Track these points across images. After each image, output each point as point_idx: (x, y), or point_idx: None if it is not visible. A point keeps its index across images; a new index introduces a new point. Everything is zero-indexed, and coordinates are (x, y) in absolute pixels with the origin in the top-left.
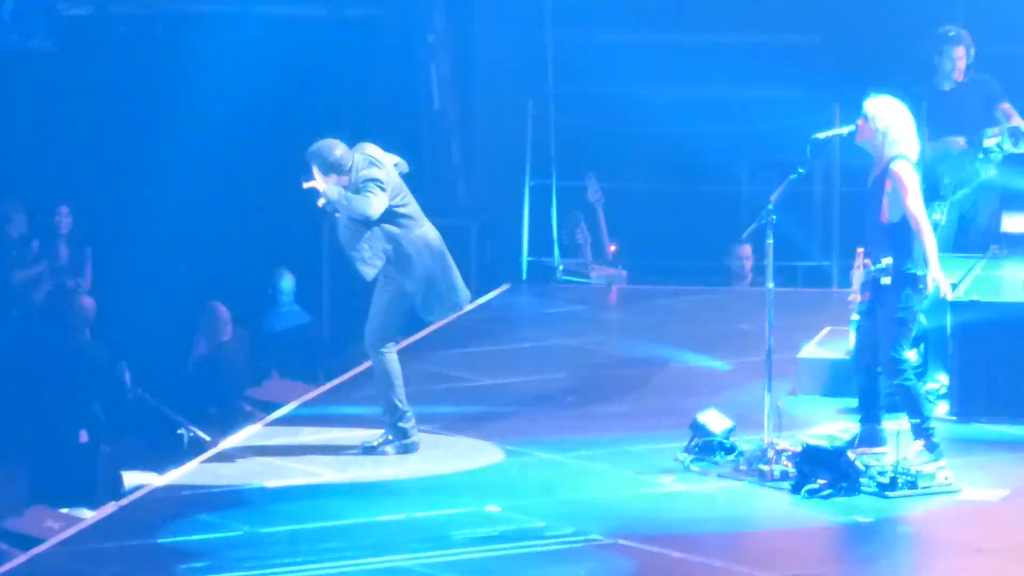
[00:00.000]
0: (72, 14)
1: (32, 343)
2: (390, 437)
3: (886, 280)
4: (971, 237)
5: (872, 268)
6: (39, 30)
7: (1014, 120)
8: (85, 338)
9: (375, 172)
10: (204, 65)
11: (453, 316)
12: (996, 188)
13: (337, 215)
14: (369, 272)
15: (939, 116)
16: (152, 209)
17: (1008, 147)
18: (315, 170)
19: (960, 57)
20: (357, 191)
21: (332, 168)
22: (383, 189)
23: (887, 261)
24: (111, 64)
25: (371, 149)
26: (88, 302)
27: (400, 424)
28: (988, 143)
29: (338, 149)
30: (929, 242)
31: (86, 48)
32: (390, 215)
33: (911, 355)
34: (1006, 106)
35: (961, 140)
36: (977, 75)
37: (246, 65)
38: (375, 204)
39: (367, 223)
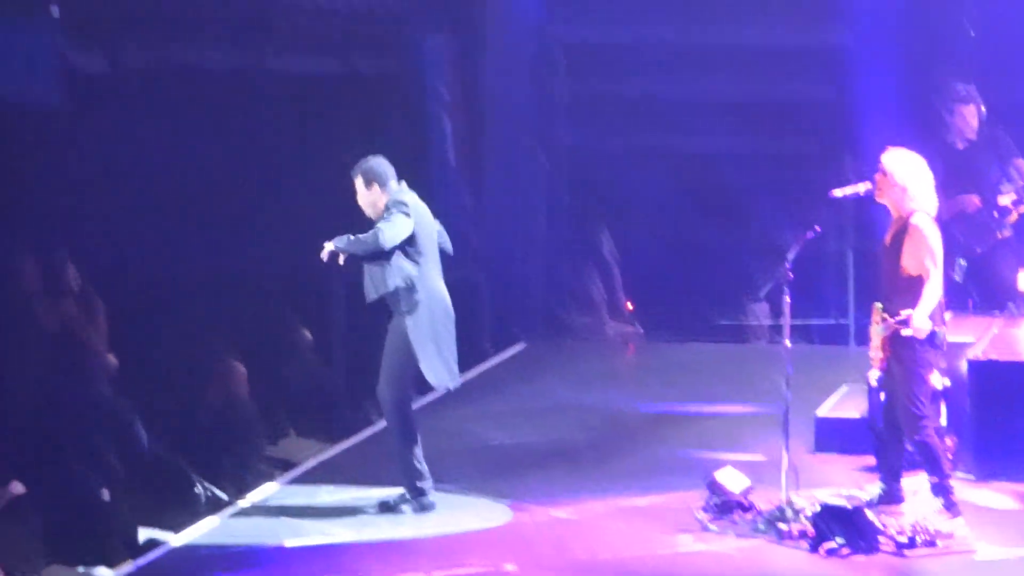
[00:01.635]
0: (84, 69)
1: (50, 398)
2: (407, 495)
3: (907, 331)
4: (988, 295)
5: (892, 321)
6: (51, 85)
7: None
8: (105, 393)
9: (406, 197)
10: (218, 119)
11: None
12: (1011, 246)
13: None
14: (370, 294)
15: (953, 174)
16: (166, 264)
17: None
18: (357, 183)
19: (972, 115)
20: (386, 213)
21: (376, 178)
22: (408, 215)
23: (907, 313)
24: (123, 119)
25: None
26: (109, 358)
27: (417, 483)
28: (1002, 201)
29: (384, 163)
30: (932, 292)
31: (98, 103)
32: (412, 254)
33: (935, 413)
34: (1019, 161)
35: (975, 198)
36: (990, 131)
37: (260, 119)
38: (399, 223)
39: (389, 255)
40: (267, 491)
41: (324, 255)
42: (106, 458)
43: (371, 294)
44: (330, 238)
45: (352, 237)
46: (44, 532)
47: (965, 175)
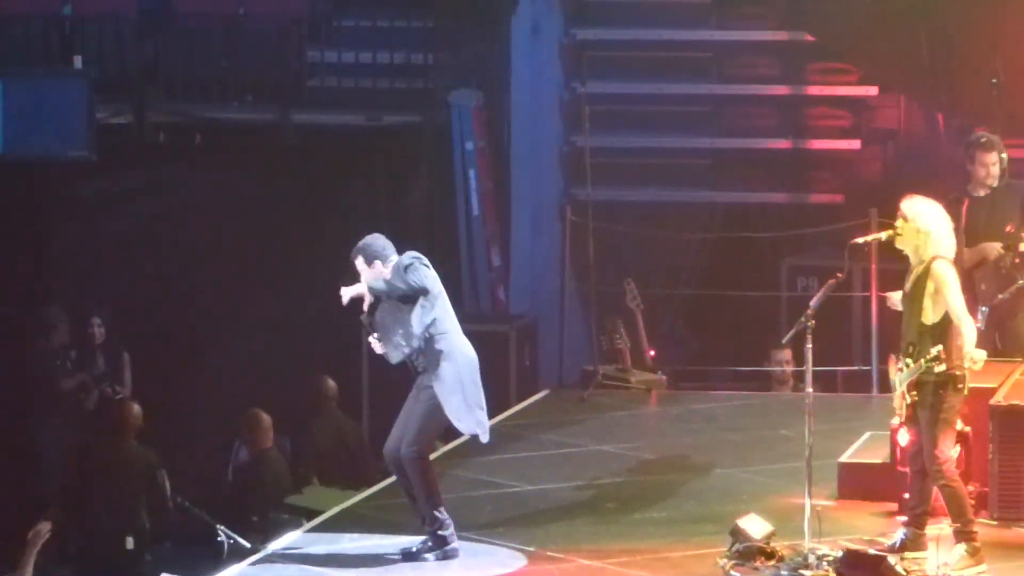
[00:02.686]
0: (111, 123)
1: (80, 450)
2: (430, 544)
3: (940, 368)
4: (1010, 342)
5: (924, 362)
6: (80, 140)
7: None
8: (132, 445)
9: (419, 256)
10: (243, 172)
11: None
12: None
13: (371, 316)
14: (395, 356)
15: (975, 222)
16: (192, 315)
17: None
18: (358, 264)
19: (993, 163)
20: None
21: (376, 255)
22: (427, 266)
23: (936, 350)
24: (151, 172)
25: None
26: (135, 409)
27: (440, 532)
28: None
29: (381, 239)
30: (969, 331)
31: (126, 157)
32: (430, 309)
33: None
34: None
35: (997, 246)
36: (1012, 180)
37: (285, 173)
38: (423, 272)
39: (407, 314)
40: (290, 539)
41: (346, 298)
42: (132, 507)
43: (396, 356)
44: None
45: (388, 279)
46: None
47: (987, 222)
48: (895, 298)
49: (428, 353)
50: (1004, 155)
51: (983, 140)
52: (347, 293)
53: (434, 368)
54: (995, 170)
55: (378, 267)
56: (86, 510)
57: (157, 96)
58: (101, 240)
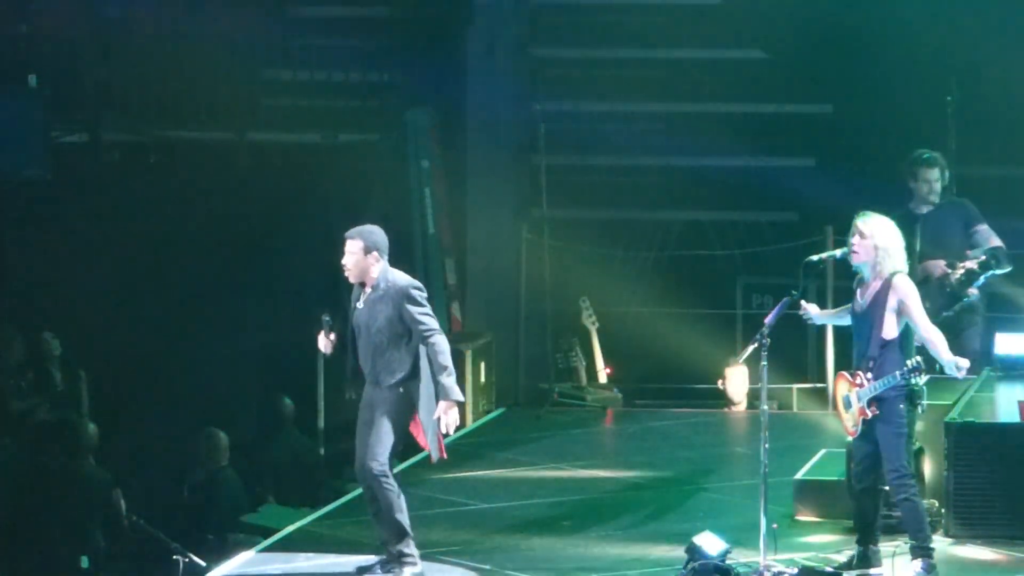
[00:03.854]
0: (67, 142)
1: (34, 470)
2: (390, 563)
3: (919, 378)
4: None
5: (900, 375)
6: (34, 158)
7: (992, 242)
8: (88, 464)
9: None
10: (198, 192)
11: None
12: (978, 309)
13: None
14: (390, 380)
15: (917, 239)
16: (148, 335)
17: (996, 267)
18: (351, 245)
19: (935, 179)
20: (407, 298)
21: (376, 248)
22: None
23: (912, 362)
24: (105, 191)
25: None
26: (90, 428)
27: (405, 549)
28: (969, 265)
29: (384, 235)
30: (941, 340)
31: (80, 176)
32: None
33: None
34: (983, 227)
35: (941, 263)
36: (954, 198)
37: (241, 191)
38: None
39: (404, 340)
40: (245, 557)
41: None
42: (87, 526)
43: (388, 379)
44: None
45: (448, 370)
46: None
47: (929, 240)
48: (811, 308)
49: (413, 374)
50: (947, 172)
51: (926, 156)
52: (324, 343)
53: (415, 387)
54: (937, 186)
55: (372, 258)
56: (40, 531)
57: (112, 116)
58: (56, 259)
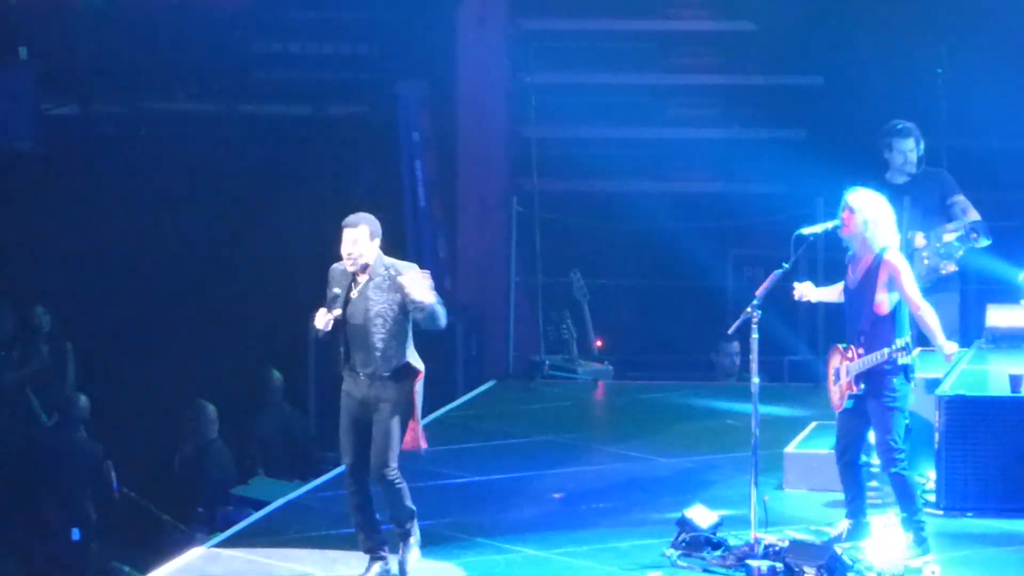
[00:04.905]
0: (57, 115)
1: (23, 441)
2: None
3: (906, 359)
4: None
5: (888, 351)
6: (25, 131)
7: (970, 214)
8: (80, 436)
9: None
10: (189, 164)
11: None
12: (956, 281)
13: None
14: (387, 369)
15: (895, 211)
16: (138, 307)
17: (974, 242)
18: (358, 232)
19: (911, 149)
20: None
21: (377, 234)
22: None
23: (902, 341)
24: (96, 164)
25: None
26: (82, 400)
27: (412, 528)
28: (947, 238)
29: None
30: (933, 321)
31: (71, 148)
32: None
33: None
34: (960, 198)
35: (919, 235)
36: (930, 168)
37: (231, 164)
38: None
39: (405, 325)
40: (235, 530)
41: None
42: (78, 498)
43: (383, 369)
44: (303, 281)
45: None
46: (18, 571)
47: (907, 211)
48: (805, 288)
49: (412, 363)
50: (922, 143)
51: (899, 127)
52: (325, 319)
53: (413, 377)
54: (912, 156)
55: (376, 244)
56: (31, 503)
57: (103, 88)
58: (46, 231)
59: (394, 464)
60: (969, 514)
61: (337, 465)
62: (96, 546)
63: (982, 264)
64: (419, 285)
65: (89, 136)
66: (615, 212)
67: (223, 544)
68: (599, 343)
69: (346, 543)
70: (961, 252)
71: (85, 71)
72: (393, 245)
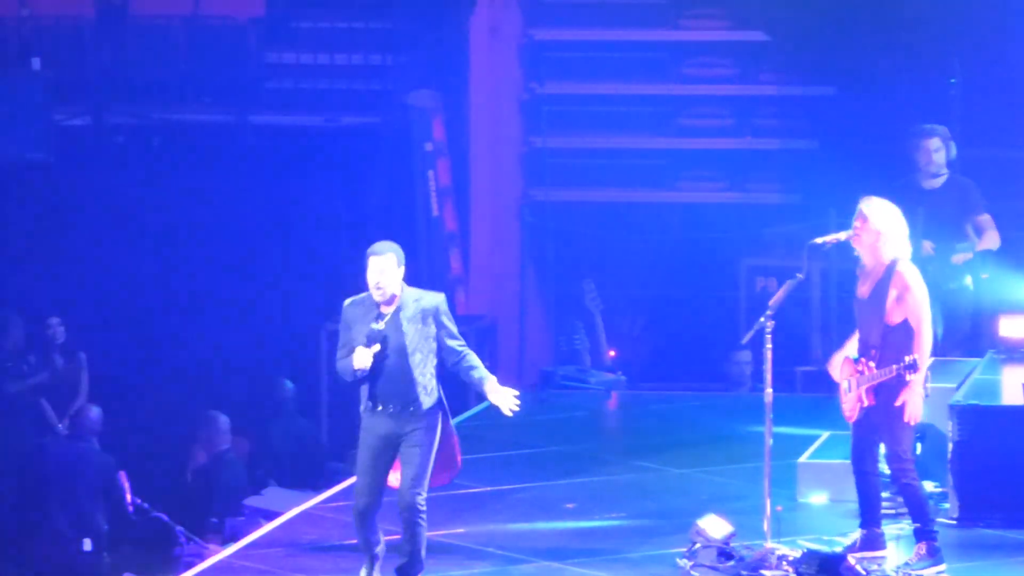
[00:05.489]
0: (69, 125)
1: (36, 451)
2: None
3: (912, 376)
4: (948, 341)
5: (897, 369)
6: (37, 141)
7: (986, 240)
8: (93, 447)
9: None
10: (201, 175)
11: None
12: (967, 294)
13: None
14: (427, 402)
15: (914, 214)
16: (149, 318)
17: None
18: (386, 261)
19: (936, 149)
20: (443, 312)
21: (403, 261)
22: None
23: (911, 358)
24: (108, 174)
25: None
26: (95, 412)
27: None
28: (956, 260)
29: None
30: (927, 346)
31: (83, 159)
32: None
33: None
34: (984, 218)
35: (928, 245)
36: (959, 177)
37: (243, 175)
38: None
39: (435, 357)
40: (248, 540)
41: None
42: (90, 509)
43: (422, 403)
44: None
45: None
46: None
47: (927, 217)
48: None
49: (434, 391)
50: (952, 147)
51: (926, 127)
52: (367, 357)
53: (438, 404)
54: (937, 157)
55: (400, 273)
56: (42, 513)
57: (115, 98)
58: (58, 242)
59: (425, 493)
60: (981, 524)
61: (348, 475)
62: (108, 556)
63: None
64: (508, 406)
65: (101, 146)
66: (628, 222)
67: (235, 555)
68: (612, 353)
69: (358, 553)
70: (968, 278)
71: (97, 81)
72: (406, 256)
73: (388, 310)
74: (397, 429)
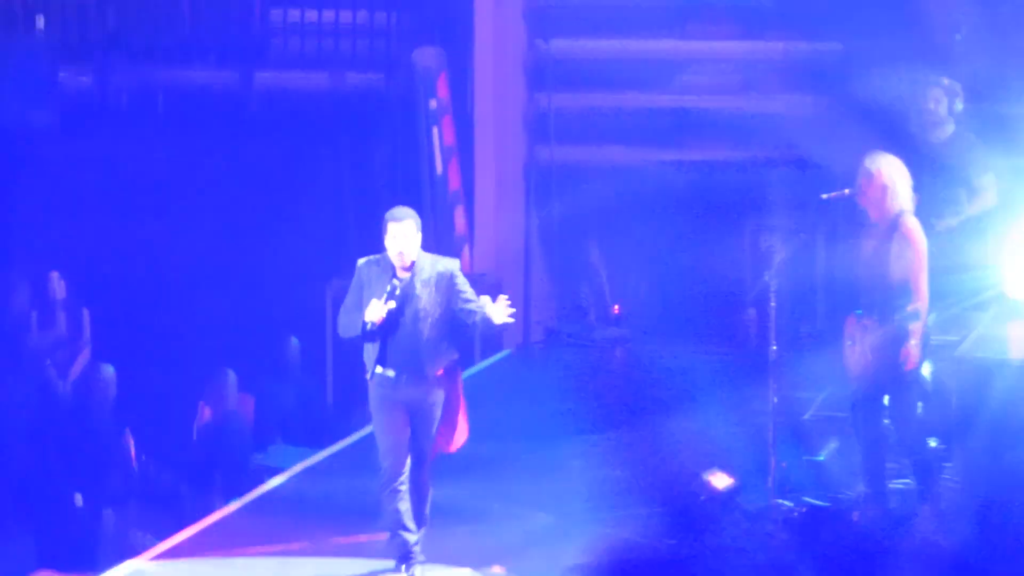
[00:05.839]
0: (73, 85)
1: (40, 410)
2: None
3: (915, 325)
4: None
5: (898, 318)
6: (40, 102)
7: (979, 202)
8: (98, 405)
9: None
10: (206, 135)
11: None
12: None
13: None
14: (439, 367)
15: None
16: (156, 277)
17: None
18: (407, 227)
19: (937, 100)
20: (458, 276)
21: (420, 228)
22: None
23: (912, 308)
24: (112, 135)
25: None
26: (108, 371)
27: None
28: (940, 226)
29: None
30: (926, 296)
31: (87, 119)
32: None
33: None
34: (983, 181)
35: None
36: (965, 132)
37: (248, 134)
38: None
39: (449, 321)
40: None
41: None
42: (95, 467)
43: (433, 368)
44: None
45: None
46: (32, 538)
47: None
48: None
49: (448, 356)
50: (957, 101)
51: (930, 78)
52: (381, 311)
53: (452, 369)
54: (939, 108)
55: (418, 238)
56: (47, 472)
57: (120, 59)
58: (63, 203)
59: (431, 458)
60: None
61: (353, 431)
62: (114, 514)
63: None
64: (504, 316)
65: (105, 106)
66: (634, 179)
67: (240, 511)
68: (616, 308)
69: (365, 511)
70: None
71: (101, 41)
72: None
73: (405, 275)
74: (409, 394)
